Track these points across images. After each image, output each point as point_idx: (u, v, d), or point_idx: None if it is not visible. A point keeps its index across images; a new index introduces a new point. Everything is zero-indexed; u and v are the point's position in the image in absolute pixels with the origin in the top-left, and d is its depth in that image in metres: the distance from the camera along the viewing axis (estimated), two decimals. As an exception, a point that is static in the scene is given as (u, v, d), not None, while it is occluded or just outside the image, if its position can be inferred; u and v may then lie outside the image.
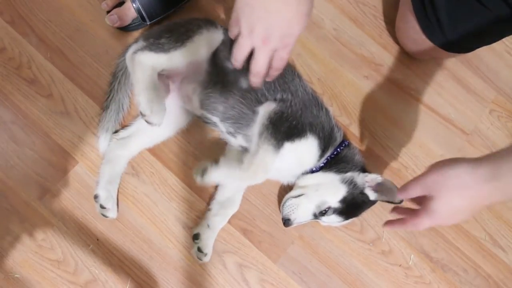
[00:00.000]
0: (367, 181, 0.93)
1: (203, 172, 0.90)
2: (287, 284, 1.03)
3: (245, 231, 1.03)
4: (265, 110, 0.91)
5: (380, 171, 1.10)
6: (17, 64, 1.03)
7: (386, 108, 1.15)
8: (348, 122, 1.12)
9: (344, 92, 1.14)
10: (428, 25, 1.04)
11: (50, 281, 0.96)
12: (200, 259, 0.98)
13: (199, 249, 0.97)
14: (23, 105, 1.02)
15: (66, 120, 1.02)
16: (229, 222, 1.02)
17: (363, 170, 0.96)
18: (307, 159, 0.95)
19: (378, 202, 0.96)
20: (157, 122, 0.85)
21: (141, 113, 0.85)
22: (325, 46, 1.16)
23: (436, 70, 1.18)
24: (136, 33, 1.08)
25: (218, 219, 0.99)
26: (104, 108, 1.00)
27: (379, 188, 0.93)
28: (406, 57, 1.17)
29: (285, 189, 1.03)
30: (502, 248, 1.10)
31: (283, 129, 0.89)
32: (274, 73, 0.86)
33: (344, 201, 0.92)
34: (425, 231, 1.08)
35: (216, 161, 0.90)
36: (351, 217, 0.96)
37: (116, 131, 1.01)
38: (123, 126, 1.03)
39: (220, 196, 1.01)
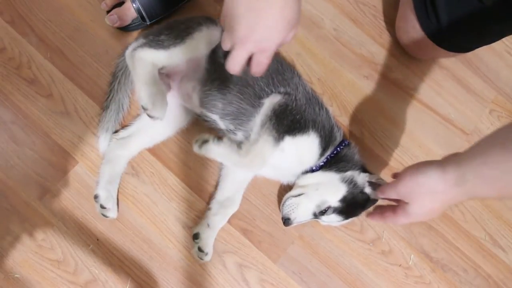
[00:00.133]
0: (368, 180, 0.93)
1: (203, 143, 0.90)
2: (287, 284, 1.03)
3: (245, 231, 1.03)
4: (270, 101, 0.91)
5: (380, 171, 1.10)
6: (17, 64, 1.03)
7: (386, 108, 1.15)
8: (348, 122, 1.12)
9: (344, 92, 1.14)
10: (429, 25, 1.04)
11: (50, 281, 0.96)
12: (201, 259, 0.98)
13: (200, 249, 0.97)
14: (23, 105, 1.02)
15: (66, 120, 1.02)
16: (229, 222, 1.02)
17: (363, 169, 0.96)
18: (308, 156, 0.95)
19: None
20: (159, 116, 0.85)
21: (142, 107, 0.85)
22: (325, 46, 1.16)
23: (436, 70, 1.18)
24: (136, 33, 1.08)
25: (218, 219, 0.99)
26: (104, 108, 1.00)
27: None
28: (406, 57, 1.17)
29: (285, 189, 1.03)
30: (502, 248, 1.10)
31: (286, 122, 0.89)
32: (254, 75, 0.85)
33: (344, 200, 0.92)
34: (425, 231, 1.08)
35: (219, 137, 0.90)
36: (351, 217, 0.96)
37: (116, 131, 1.01)
38: (123, 126, 1.03)
39: (220, 196, 1.01)
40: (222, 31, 0.87)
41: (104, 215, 0.97)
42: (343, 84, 1.14)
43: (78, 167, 1.01)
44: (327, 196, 0.93)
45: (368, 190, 0.93)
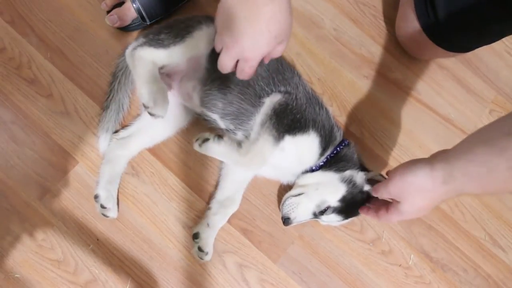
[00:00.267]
0: (366, 178, 0.93)
1: (203, 141, 0.91)
2: (287, 284, 1.03)
3: (245, 231, 1.03)
4: (271, 100, 0.91)
5: (380, 171, 1.10)
6: (17, 64, 1.03)
7: (386, 108, 1.15)
8: (348, 122, 1.12)
9: (344, 92, 1.14)
10: (429, 24, 1.04)
11: (50, 281, 0.96)
12: (201, 258, 0.98)
13: (200, 249, 0.97)
14: (23, 105, 1.02)
15: (66, 120, 1.02)
16: (229, 222, 1.02)
17: (363, 168, 0.96)
18: (308, 156, 0.95)
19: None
20: (161, 113, 0.85)
21: (144, 105, 0.85)
22: (325, 46, 1.16)
23: (436, 70, 1.18)
24: (136, 33, 1.08)
25: (218, 218, 0.99)
26: (104, 108, 1.00)
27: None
28: (406, 57, 1.17)
29: (285, 189, 1.02)
30: (502, 248, 1.10)
31: (286, 122, 0.89)
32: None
33: (343, 200, 0.92)
34: (425, 231, 1.08)
35: (220, 136, 0.91)
36: (351, 217, 0.96)
37: (116, 131, 1.01)
38: (123, 126, 1.03)
39: (220, 195, 1.01)
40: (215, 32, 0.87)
41: (104, 215, 0.97)
42: (343, 84, 1.14)
43: (78, 167, 1.01)
44: (326, 196, 0.93)
45: (367, 188, 0.93)
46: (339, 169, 0.94)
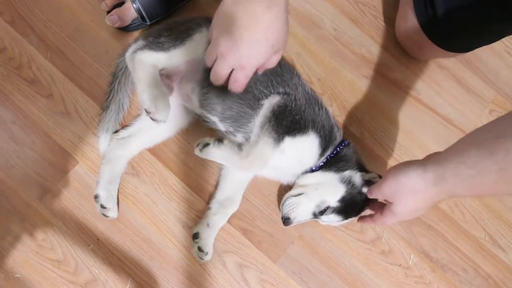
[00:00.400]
0: (364, 179, 0.93)
1: (204, 146, 0.91)
2: (287, 284, 1.03)
3: (245, 231, 1.03)
4: (269, 102, 0.91)
5: (380, 171, 1.10)
6: (17, 64, 1.04)
7: (386, 108, 1.15)
8: (348, 122, 1.12)
9: (344, 92, 1.14)
10: (429, 25, 1.04)
11: (51, 281, 0.96)
12: (201, 258, 0.98)
13: (200, 249, 0.97)
14: (23, 105, 1.02)
15: (67, 120, 1.02)
16: (229, 222, 1.02)
17: (362, 169, 0.96)
18: (308, 157, 0.95)
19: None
20: (163, 118, 0.85)
21: (146, 111, 0.85)
22: (325, 46, 1.16)
23: (436, 70, 1.19)
24: (136, 33, 1.08)
25: (218, 218, 0.99)
26: (104, 108, 1.00)
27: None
28: (406, 57, 1.17)
29: (285, 189, 1.02)
30: (502, 248, 1.10)
31: (285, 123, 0.89)
32: (233, 93, 0.86)
33: (342, 200, 0.92)
34: (425, 231, 1.09)
35: (220, 140, 0.91)
36: (350, 217, 0.96)
37: (116, 131, 1.01)
38: (123, 126, 1.03)
39: (220, 195, 1.01)
40: (208, 43, 0.86)
41: (104, 215, 0.97)
42: (343, 84, 1.14)
43: (78, 167, 1.01)
44: (326, 196, 0.93)
45: (365, 189, 0.93)
46: (339, 169, 0.94)
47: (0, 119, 1.01)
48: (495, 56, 1.21)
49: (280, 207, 0.96)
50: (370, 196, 0.88)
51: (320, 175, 0.95)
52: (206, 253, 0.98)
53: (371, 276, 1.05)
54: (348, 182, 0.93)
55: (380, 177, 0.92)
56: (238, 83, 0.81)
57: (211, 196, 1.03)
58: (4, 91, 1.02)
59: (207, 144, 0.92)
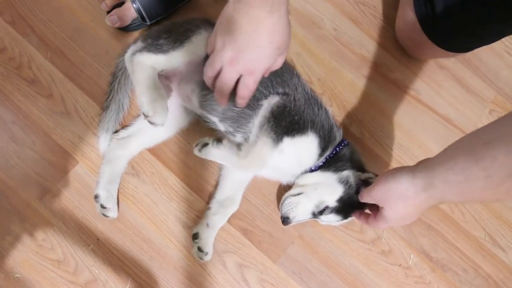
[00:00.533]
0: (360, 179, 0.93)
1: (203, 146, 0.91)
2: (287, 284, 1.03)
3: (245, 231, 1.03)
4: (269, 102, 0.91)
5: (380, 171, 1.10)
6: (18, 64, 1.04)
7: (386, 108, 1.15)
8: (348, 122, 1.12)
9: (344, 92, 1.14)
10: (429, 25, 1.04)
11: (51, 281, 0.96)
12: (201, 259, 0.98)
13: (199, 249, 0.97)
14: (23, 105, 1.02)
15: (67, 120, 1.02)
16: (229, 222, 1.02)
17: (362, 169, 0.96)
18: (307, 157, 0.95)
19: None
20: (161, 122, 0.85)
21: (144, 114, 0.85)
22: (325, 46, 1.16)
23: (436, 70, 1.19)
24: (136, 33, 1.08)
25: (218, 218, 0.99)
26: (104, 108, 1.00)
27: None
28: (406, 57, 1.17)
29: (284, 189, 1.02)
30: (502, 248, 1.10)
31: (284, 124, 0.89)
32: (240, 101, 0.86)
33: (341, 200, 0.92)
34: (425, 231, 1.08)
35: (219, 140, 0.92)
36: (350, 217, 0.96)
37: (116, 131, 1.01)
38: (123, 126, 1.03)
39: (220, 195, 1.01)
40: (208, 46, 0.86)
41: (104, 215, 0.97)
42: (343, 84, 1.14)
43: (78, 167, 1.01)
44: (325, 196, 0.93)
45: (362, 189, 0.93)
46: (338, 169, 0.94)
47: (0, 119, 1.01)
48: (495, 56, 1.21)
49: (280, 207, 0.96)
50: (361, 200, 0.87)
51: (319, 175, 0.95)
52: (206, 253, 0.98)
53: (371, 276, 1.05)
54: (346, 182, 0.93)
55: (376, 177, 0.92)
56: (248, 89, 0.82)
57: (211, 196, 1.03)
58: (4, 91, 1.02)
59: (206, 144, 0.92)
